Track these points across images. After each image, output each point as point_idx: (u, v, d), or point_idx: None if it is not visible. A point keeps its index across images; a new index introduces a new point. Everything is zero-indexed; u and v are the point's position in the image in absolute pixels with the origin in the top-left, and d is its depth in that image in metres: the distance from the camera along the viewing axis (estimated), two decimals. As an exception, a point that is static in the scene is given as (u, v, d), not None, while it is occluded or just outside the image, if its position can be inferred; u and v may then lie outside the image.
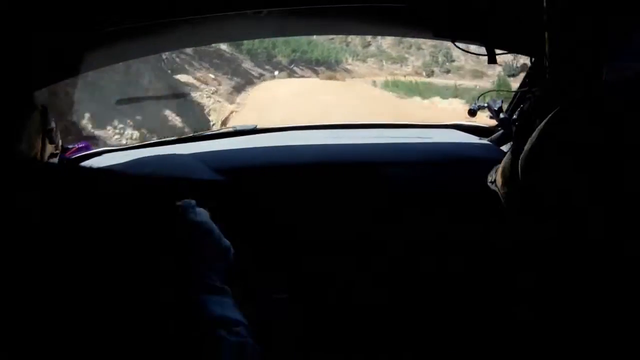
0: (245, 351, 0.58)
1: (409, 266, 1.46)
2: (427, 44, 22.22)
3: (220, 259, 0.67)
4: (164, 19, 1.27)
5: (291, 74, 19.43)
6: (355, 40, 23.31)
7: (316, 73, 20.29)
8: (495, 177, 0.76)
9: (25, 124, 1.09)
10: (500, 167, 0.75)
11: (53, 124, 1.18)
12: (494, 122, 1.83)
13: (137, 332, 0.50)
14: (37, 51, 1.21)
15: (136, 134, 8.67)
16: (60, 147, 1.26)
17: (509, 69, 15.72)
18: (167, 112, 9.60)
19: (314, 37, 19.59)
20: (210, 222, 0.69)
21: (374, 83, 18.37)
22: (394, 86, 17.06)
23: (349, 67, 22.33)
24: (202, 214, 0.69)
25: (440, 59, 22.93)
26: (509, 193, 0.72)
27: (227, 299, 0.63)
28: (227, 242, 0.70)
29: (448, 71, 22.01)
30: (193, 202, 0.68)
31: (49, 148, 1.18)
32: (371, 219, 1.50)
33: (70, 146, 1.64)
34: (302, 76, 19.75)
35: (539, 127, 0.65)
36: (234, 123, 7.37)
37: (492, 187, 0.77)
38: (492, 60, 1.35)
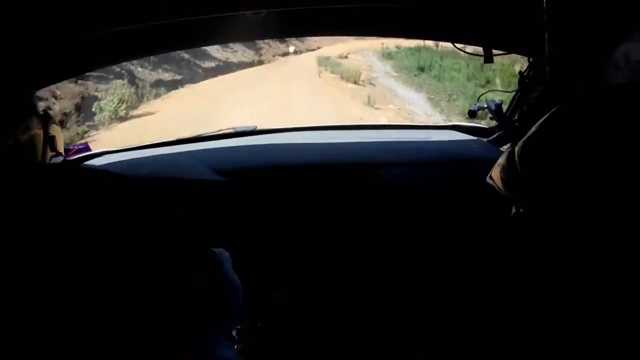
0: None
1: (408, 266, 1.46)
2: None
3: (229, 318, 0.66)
4: (164, 20, 1.27)
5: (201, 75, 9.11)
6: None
7: (257, 52, 10.18)
8: (492, 172, 0.76)
9: (27, 131, 1.08)
10: (497, 163, 0.75)
11: (54, 131, 1.16)
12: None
13: (138, 331, 0.50)
14: (37, 51, 1.21)
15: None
16: (61, 151, 1.25)
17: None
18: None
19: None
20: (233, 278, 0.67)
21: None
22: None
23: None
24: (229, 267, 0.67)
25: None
26: (506, 188, 0.72)
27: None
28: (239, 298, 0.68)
29: (463, 53, 16.29)
30: (227, 254, 0.67)
31: (50, 154, 1.15)
32: (371, 220, 1.50)
33: (70, 147, 1.64)
34: (230, 63, 8.99)
35: (539, 122, 0.65)
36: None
37: (490, 182, 0.76)
38: (489, 60, 1.35)
